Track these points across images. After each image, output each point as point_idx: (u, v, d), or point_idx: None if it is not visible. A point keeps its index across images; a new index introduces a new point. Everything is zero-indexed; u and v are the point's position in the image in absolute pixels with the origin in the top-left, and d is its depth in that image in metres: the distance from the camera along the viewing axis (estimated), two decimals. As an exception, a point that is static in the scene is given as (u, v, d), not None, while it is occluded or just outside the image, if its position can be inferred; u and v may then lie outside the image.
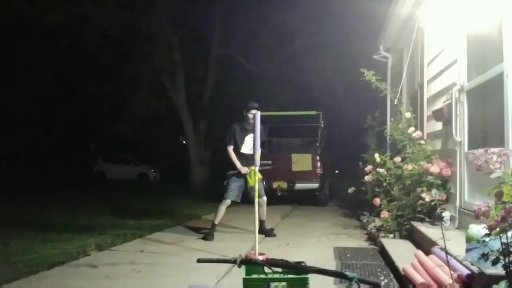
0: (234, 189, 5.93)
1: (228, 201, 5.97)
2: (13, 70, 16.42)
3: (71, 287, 3.73)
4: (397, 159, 5.98)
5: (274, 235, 6.14)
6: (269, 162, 9.22)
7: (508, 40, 3.50)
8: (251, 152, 5.56)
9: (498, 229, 2.11)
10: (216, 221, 6.00)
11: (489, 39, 4.03)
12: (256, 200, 4.86)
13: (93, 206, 9.55)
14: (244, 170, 5.84)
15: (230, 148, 6.01)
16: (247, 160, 5.79)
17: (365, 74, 6.53)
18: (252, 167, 5.03)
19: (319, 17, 14.22)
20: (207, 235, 5.87)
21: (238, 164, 5.90)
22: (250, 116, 5.74)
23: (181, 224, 7.30)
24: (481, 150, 2.35)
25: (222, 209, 6.00)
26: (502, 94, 3.51)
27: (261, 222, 6.16)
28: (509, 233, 2.12)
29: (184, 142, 18.74)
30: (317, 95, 16.62)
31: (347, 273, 1.44)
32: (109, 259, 4.68)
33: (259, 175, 5.13)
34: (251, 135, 5.74)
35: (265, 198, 6.18)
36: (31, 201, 10.43)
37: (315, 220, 8.01)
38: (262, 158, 5.43)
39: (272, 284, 1.53)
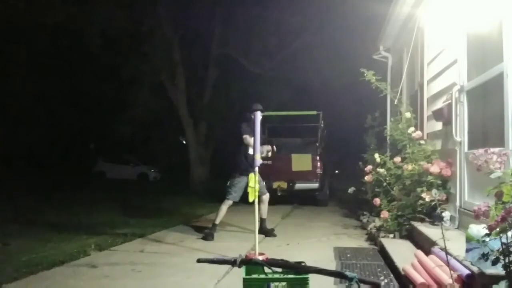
0: (237, 190, 5.94)
1: (230, 202, 5.99)
2: (13, 70, 16.41)
3: (71, 287, 3.73)
4: (397, 159, 5.97)
5: (274, 235, 6.15)
6: (269, 162, 9.21)
7: (508, 40, 3.50)
8: None
9: (498, 229, 2.11)
10: (217, 221, 6.01)
11: (489, 39, 4.03)
12: (256, 200, 4.86)
13: (93, 206, 9.55)
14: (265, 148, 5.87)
15: (247, 136, 5.86)
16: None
17: (365, 74, 6.53)
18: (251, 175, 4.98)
19: (319, 17, 14.20)
20: (207, 235, 5.88)
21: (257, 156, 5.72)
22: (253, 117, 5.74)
23: (181, 224, 7.30)
24: (481, 150, 2.35)
25: (224, 209, 6.01)
26: (502, 94, 3.51)
27: (262, 221, 6.17)
28: (509, 233, 2.12)
29: (184, 142, 18.73)
30: (317, 95, 16.60)
31: (347, 273, 1.44)
32: (109, 259, 4.68)
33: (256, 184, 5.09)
34: None
35: (267, 194, 6.19)
36: (31, 201, 10.42)
37: (315, 220, 8.02)
38: (262, 158, 5.46)
39: (272, 284, 1.53)
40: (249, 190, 5.02)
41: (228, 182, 6.06)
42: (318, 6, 13.65)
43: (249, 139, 5.82)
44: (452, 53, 4.87)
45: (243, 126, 5.99)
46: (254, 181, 4.92)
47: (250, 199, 4.91)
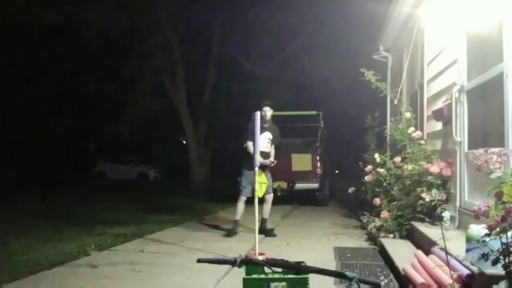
0: (247, 185, 6.03)
1: (244, 198, 6.09)
2: (13, 70, 16.40)
3: (71, 287, 3.73)
4: (397, 159, 5.97)
5: (274, 235, 6.15)
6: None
7: (508, 40, 3.49)
8: (265, 149, 5.88)
9: (498, 229, 2.11)
10: (237, 217, 6.16)
11: (489, 39, 4.03)
12: (256, 200, 4.89)
13: (93, 206, 9.55)
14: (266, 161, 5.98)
15: (250, 143, 5.89)
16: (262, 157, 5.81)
17: (365, 74, 6.53)
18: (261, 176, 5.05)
19: (319, 17, 14.21)
20: (230, 232, 6.09)
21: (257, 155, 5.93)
22: (263, 113, 5.93)
23: (181, 224, 7.30)
24: (481, 150, 2.35)
25: (240, 205, 6.13)
26: (502, 94, 3.51)
27: (263, 221, 6.18)
28: (509, 233, 2.12)
29: (184, 142, 18.72)
30: (317, 95, 16.61)
31: (347, 273, 1.43)
32: (109, 259, 4.68)
33: (264, 180, 5.15)
34: (266, 133, 5.87)
35: (271, 195, 6.23)
36: (31, 201, 10.42)
37: (315, 220, 8.02)
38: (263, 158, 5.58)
39: (272, 284, 1.53)
40: (257, 185, 5.11)
41: (239, 179, 6.18)
42: (318, 6, 13.65)
43: (250, 147, 5.87)
44: (452, 53, 4.87)
45: (249, 128, 6.01)
46: (260, 176, 4.98)
47: (259, 195, 5.00)
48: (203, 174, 16.13)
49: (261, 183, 5.08)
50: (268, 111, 6.08)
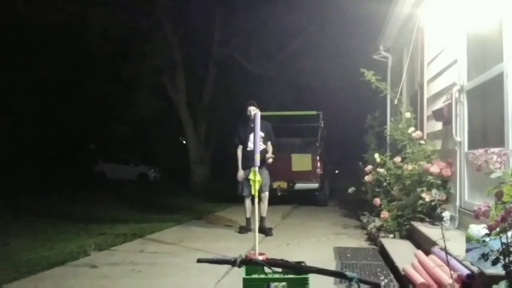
0: (243, 184, 6.17)
1: (246, 197, 6.28)
2: (13, 70, 16.40)
3: (71, 287, 3.73)
4: (397, 159, 5.97)
5: (271, 235, 6.15)
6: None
7: (508, 40, 3.49)
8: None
9: (498, 229, 2.11)
10: (247, 215, 6.37)
11: (489, 39, 4.03)
12: (256, 200, 4.89)
13: (93, 206, 9.55)
14: (239, 176, 6.26)
15: (238, 150, 6.36)
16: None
17: (365, 74, 6.53)
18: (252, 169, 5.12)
19: (319, 17, 14.21)
20: (242, 229, 6.30)
21: (239, 167, 6.30)
22: (248, 113, 6.19)
23: (181, 224, 7.30)
24: (481, 150, 2.35)
25: (246, 203, 6.34)
26: (502, 94, 3.51)
27: (262, 219, 6.19)
28: (509, 233, 2.12)
29: (184, 142, 18.73)
30: (317, 95, 16.60)
31: (347, 273, 1.43)
32: (109, 259, 4.68)
33: (257, 177, 5.17)
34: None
35: (267, 193, 6.28)
36: (30, 201, 10.42)
37: (315, 220, 8.02)
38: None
39: (272, 284, 1.53)
40: (251, 183, 5.15)
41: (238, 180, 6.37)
42: (318, 6, 13.65)
43: (239, 152, 6.34)
44: (452, 53, 4.87)
45: (240, 130, 6.37)
46: (253, 174, 5.03)
47: (252, 192, 5.06)
48: (203, 174, 16.14)
49: (253, 181, 5.11)
50: (253, 111, 6.07)
